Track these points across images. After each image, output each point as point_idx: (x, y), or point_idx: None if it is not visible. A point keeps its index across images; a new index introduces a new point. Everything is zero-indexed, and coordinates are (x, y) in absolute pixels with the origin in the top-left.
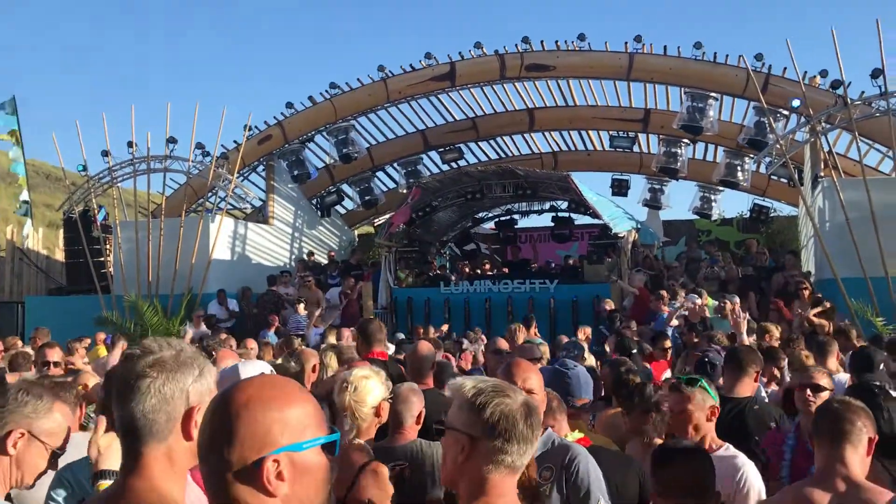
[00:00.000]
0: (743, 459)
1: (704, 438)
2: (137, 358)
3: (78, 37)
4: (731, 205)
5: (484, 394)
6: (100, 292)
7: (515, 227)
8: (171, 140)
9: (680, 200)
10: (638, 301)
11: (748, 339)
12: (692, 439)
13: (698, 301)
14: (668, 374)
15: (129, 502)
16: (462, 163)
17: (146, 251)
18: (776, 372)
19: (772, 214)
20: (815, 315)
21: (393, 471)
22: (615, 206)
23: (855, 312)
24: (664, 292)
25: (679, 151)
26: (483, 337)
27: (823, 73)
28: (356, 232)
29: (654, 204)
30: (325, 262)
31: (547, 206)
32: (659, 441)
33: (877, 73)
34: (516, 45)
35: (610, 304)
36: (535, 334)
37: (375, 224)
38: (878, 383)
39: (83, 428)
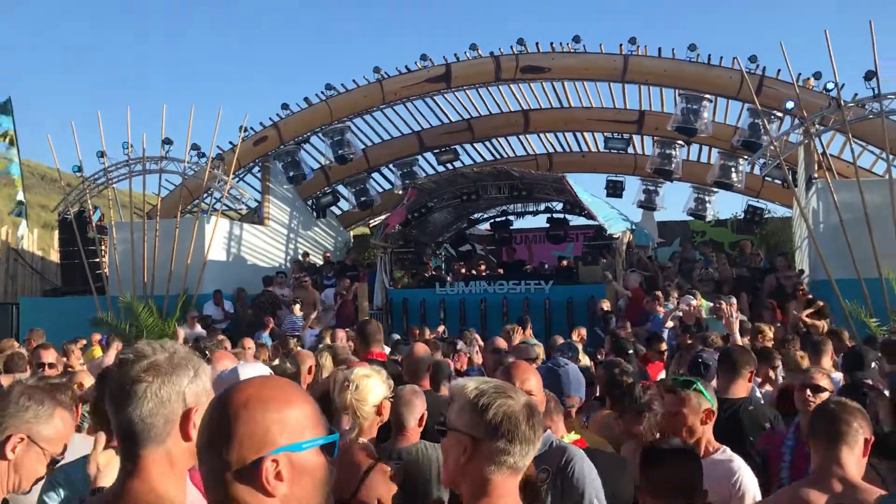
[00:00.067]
0: (739, 463)
1: (699, 442)
2: (131, 363)
3: (78, 37)
4: (726, 206)
5: (486, 395)
6: (95, 293)
7: (511, 228)
8: (167, 141)
9: (674, 202)
10: (632, 302)
11: (741, 340)
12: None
13: (693, 303)
14: (663, 375)
15: (127, 503)
16: (457, 164)
17: (141, 252)
18: (770, 372)
19: (766, 216)
20: (807, 316)
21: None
22: (610, 207)
23: (849, 314)
24: (659, 293)
25: (673, 153)
26: (478, 337)
27: (817, 75)
28: (352, 233)
29: (648, 205)
30: (321, 262)
31: (542, 207)
32: None
33: (870, 76)
34: (511, 47)
35: (607, 305)
36: (530, 335)
37: (371, 225)
38: (869, 381)
39: (78, 429)
